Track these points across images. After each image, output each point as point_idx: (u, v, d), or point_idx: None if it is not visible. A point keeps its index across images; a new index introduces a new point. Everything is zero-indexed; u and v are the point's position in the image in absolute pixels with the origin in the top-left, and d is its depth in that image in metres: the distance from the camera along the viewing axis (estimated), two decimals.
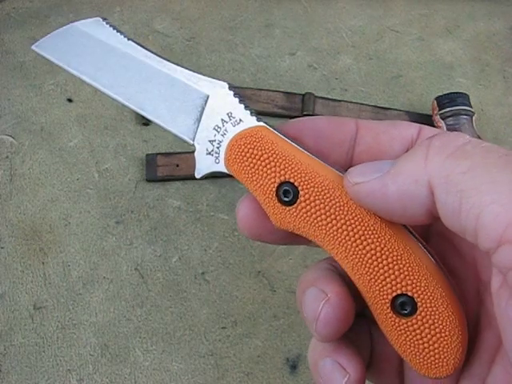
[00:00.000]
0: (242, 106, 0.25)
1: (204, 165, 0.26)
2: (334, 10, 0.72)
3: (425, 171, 0.19)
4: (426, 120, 0.62)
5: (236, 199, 0.58)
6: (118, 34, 0.28)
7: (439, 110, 0.59)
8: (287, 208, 0.24)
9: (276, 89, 0.65)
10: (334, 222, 0.23)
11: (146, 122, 0.61)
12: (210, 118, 0.26)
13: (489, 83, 0.67)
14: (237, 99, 0.26)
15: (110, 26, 0.28)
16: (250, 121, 0.25)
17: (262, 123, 0.25)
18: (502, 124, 0.64)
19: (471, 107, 0.59)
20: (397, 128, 0.24)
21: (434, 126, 0.60)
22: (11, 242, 0.54)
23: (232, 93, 0.26)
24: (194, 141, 0.26)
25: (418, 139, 0.24)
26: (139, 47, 0.28)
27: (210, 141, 0.26)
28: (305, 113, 0.62)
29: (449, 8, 0.74)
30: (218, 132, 0.25)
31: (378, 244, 0.22)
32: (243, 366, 0.50)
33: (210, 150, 0.26)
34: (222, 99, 0.26)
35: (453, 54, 0.70)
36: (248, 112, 0.25)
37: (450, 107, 0.58)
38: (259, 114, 0.26)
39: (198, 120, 0.26)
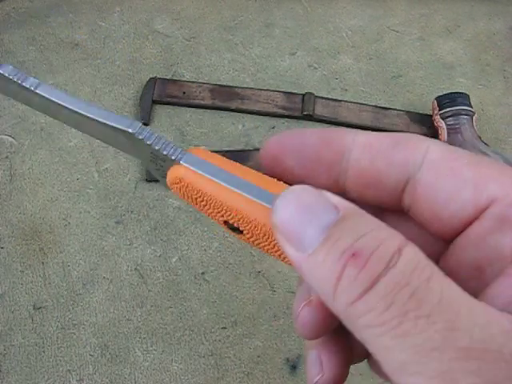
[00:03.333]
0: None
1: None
2: (334, 10, 0.72)
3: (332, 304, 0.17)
4: (426, 120, 0.62)
5: None
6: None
7: (439, 110, 0.59)
8: (238, 235, 0.23)
9: (276, 89, 0.65)
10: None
11: (145, 122, 0.61)
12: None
13: (489, 83, 0.67)
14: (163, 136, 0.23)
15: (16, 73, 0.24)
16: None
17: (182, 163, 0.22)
18: (502, 124, 0.64)
19: (471, 107, 0.59)
20: (400, 150, 0.20)
21: (434, 126, 0.60)
22: (11, 242, 0.54)
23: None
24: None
25: (424, 164, 0.20)
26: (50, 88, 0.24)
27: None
28: (305, 113, 0.62)
29: (449, 8, 0.74)
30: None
31: None
32: (243, 366, 0.50)
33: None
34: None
35: (453, 54, 0.70)
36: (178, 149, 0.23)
37: (451, 107, 0.58)
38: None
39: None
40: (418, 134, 0.22)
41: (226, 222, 0.22)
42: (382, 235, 0.17)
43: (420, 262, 0.16)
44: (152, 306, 0.52)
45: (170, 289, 0.53)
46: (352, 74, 0.67)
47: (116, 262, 0.54)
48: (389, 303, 0.16)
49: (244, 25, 0.70)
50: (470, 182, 0.19)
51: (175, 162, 0.22)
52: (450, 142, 0.57)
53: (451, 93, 0.60)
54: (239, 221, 0.22)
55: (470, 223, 0.20)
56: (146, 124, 0.61)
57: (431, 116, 0.61)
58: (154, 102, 0.63)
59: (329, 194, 0.18)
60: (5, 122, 0.61)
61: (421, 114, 0.63)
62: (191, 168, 0.22)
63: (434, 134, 0.61)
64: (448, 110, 0.58)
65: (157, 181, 0.58)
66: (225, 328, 0.51)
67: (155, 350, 0.50)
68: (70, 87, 0.64)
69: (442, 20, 0.73)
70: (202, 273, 0.54)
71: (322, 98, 0.64)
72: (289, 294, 0.53)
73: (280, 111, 0.63)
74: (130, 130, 0.23)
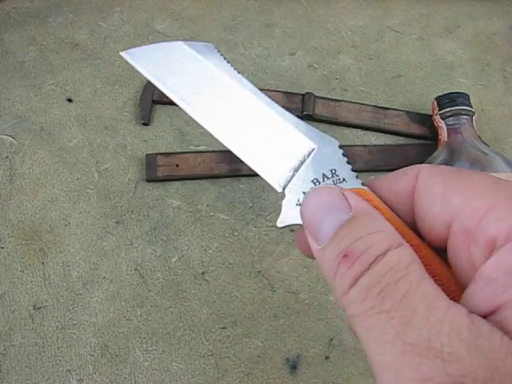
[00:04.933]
0: (350, 166, 0.25)
1: (291, 215, 0.25)
2: (334, 10, 0.72)
3: None
4: (426, 120, 0.62)
5: (236, 199, 0.58)
6: (228, 64, 0.27)
7: (439, 110, 0.59)
8: None
9: (276, 89, 0.65)
10: None
11: (145, 122, 0.61)
12: (311, 170, 0.25)
13: (489, 83, 0.67)
14: (345, 159, 0.25)
15: (221, 54, 0.27)
16: (354, 182, 0.24)
17: (366, 188, 0.24)
18: (502, 124, 0.64)
19: (471, 107, 0.59)
20: (398, 181, 0.23)
21: (434, 126, 0.60)
22: (11, 242, 0.54)
23: (341, 151, 0.25)
24: (284, 189, 0.25)
25: (417, 180, 0.22)
26: (248, 82, 0.27)
27: (304, 192, 0.25)
28: (305, 113, 0.62)
29: (449, 8, 0.74)
30: (316, 186, 0.25)
31: None
32: (243, 365, 0.50)
33: (301, 202, 0.25)
34: (329, 155, 0.25)
35: (453, 54, 0.70)
36: (354, 174, 0.25)
37: (450, 107, 0.58)
38: None
39: (296, 169, 0.25)
40: (417, 133, 0.23)
41: None
42: (375, 239, 0.19)
43: (399, 263, 0.18)
44: (152, 306, 0.52)
45: (170, 289, 0.53)
46: (352, 74, 0.67)
47: (116, 261, 0.54)
48: (363, 298, 0.18)
49: (244, 25, 0.70)
50: (438, 197, 0.21)
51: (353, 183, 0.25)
52: (450, 141, 0.57)
53: (451, 93, 0.60)
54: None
55: (446, 237, 0.21)
56: (146, 124, 0.61)
57: (431, 116, 0.61)
58: (154, 102, 0.63)
59: (348, 194, 0.21)
60: (5, 122, 0.61)
61: (421, 113, 0.63)
62: (371, 192, 0.24)
63: (433, 133, 0.61)
64: (448, 109, 0.58)
65: (157, 181, 0.58)
66: (225, 328, 0.51)
67: (155, 349, 0.50)
68: (71, 87, 0.64)
69: (442, 20, 0.73)
70: (202, 273, 0.54)
71: (322, 97, 0.64)
72: (289, 294, 0.53)
73: None
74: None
